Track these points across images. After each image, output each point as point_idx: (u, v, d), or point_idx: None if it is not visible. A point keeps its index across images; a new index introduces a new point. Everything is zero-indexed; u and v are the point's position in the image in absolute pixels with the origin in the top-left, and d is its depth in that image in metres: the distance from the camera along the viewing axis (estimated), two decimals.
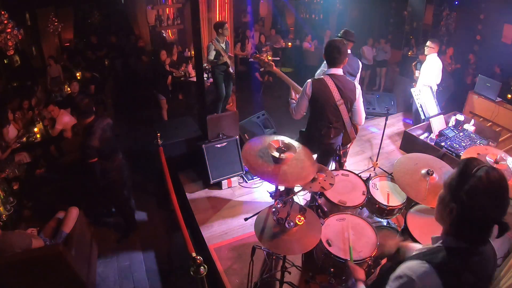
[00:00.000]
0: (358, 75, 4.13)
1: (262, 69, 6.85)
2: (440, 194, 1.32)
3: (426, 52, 5.05)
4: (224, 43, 4.09)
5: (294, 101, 3.20)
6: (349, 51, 4.08)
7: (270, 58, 7.88)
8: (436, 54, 5.00)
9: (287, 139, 2.46)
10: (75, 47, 8.50)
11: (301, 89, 3.05)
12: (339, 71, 2.93)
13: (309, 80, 2.93)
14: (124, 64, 7.79)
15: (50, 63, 7.15)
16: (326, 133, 3.06)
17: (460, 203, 1.20)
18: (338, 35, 4.24)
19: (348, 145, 3.53)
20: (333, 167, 3.73)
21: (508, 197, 1.18)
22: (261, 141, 2.48)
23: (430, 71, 5.03)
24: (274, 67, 3.46)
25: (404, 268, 1.25)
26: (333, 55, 2.88)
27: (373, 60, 7.98)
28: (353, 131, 3.23)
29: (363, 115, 3.12)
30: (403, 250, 1.78)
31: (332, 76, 2.91)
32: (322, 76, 2.95)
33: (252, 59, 7.74)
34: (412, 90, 4.97)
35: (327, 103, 2.93)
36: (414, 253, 1.40)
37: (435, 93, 5.10)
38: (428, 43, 5.01)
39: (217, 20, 4.10)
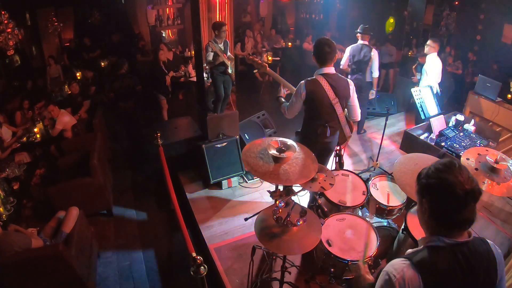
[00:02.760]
0: (376, 64, 4.87)
1: (255, 71, 6.84)
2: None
3: (426, 51, 5.05)
4: (223, 43, 4.06)
5: (283, 98, 3.20)
6: (366, 42, 4.88)
7: (270, 58, 7.86)
8: (436, 54, 5.00)
9: (288, 141, 2.46)
10: (73, 47, 8.48)
11: (295, 88, 3.04)
12: (331, 69, 2.92)
13: (303, 81, 2.91)
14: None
15: (50, 63, 7.14)
16: (322, 132, 3.05)
17: (420, 188, 1.33)
18: (358, 31, 4.88)
19: (343, 145, 3.53)
20: (333, 167, 3.75)
21: (464, 193, 1.20)
22: (260, 143, 2.48)
23: (433, 71, 5.04)
24: (268, 68, 3.46)
25: (388, 266, 1.34)
26: (324, 52, 2.85)
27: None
28: (348, 130, 3.24)
29: (359, 111, 3.13)
30: None
31: (325, 75, 2.90)
32: (315, 76, 2.94)
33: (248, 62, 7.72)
34: (412, 90, 4.97)
35: (322, 103, 2.92)
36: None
37: (438, 91, 5.12)
38: (429, 42, 5.01)
39: (217, 20, 4.08)
